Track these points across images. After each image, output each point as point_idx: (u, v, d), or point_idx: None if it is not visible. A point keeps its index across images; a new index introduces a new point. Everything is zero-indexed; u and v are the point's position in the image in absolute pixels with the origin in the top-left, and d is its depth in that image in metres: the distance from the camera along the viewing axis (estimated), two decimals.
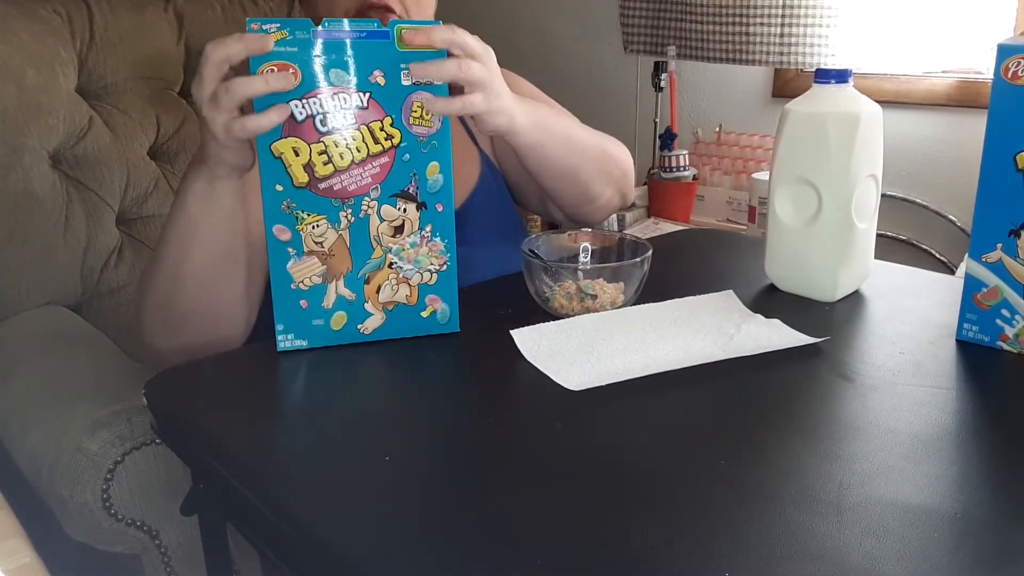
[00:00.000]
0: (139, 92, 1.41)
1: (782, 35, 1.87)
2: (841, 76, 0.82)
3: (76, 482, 0.88)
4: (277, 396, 0.70)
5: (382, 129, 0.71)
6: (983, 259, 0.73)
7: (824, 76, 0.82)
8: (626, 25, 2.21)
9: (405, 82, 0.70)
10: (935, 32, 1.78)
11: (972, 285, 0.74)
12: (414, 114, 0.71)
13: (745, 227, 1.89)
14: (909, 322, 0.80)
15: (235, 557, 0.83)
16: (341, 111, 0.69)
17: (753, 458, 0.57)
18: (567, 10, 2.41)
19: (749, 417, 0.63)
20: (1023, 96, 0.68)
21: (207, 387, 0.72)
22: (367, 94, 0.70)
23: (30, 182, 1.26)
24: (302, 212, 0.71)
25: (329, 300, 0.74)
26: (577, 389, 0.66)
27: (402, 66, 0.70)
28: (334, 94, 0.69)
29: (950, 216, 1.84)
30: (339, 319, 0.75)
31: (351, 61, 0.69)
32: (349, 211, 0.72)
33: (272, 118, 0.67)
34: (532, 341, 0.73)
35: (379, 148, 0.71)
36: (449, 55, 0.72)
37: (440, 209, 0.75)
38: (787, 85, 2.02)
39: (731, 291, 0.84)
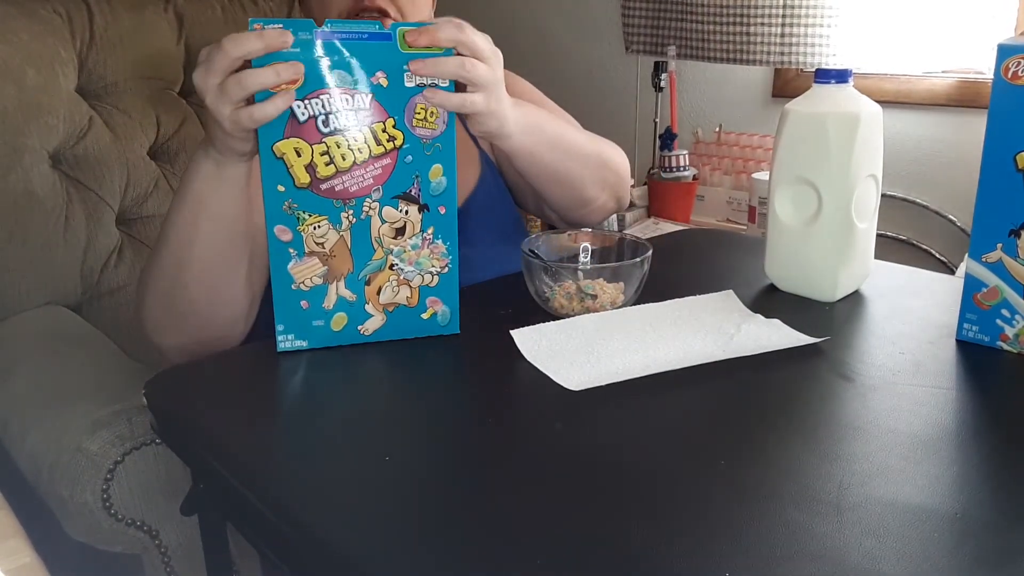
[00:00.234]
0: (139, 92, 1.41)
1: (783, 35, 1.87)
2: (841, 76, 0.82)
3: (76, 482, 0.88)
4: (277, 396, 0.70)
5: (384, 130, 0.71)
6: (983, 259, 0.73)
7: (824, 76, 0.82)
8: (626, 25, 2.21)
9: (408, 83, 0.70)
10: (935, 32, 1.78)
11: (972, 285, 0.74)
12: (417, 116, 0.71)
13: (745, 227, 1.89)
14: (909, 322, 0.80)
15: (235, 557, 0.83)
16: (343, 112, 0.69)
17: (753, 458, 0.57)
18: (567, 10, 2.41)
19: (749, 417, 0.63)
20: (1023, 96, 0.68)
21: (207, 387, 0.72)
22: (370, 95, 0.70)
23: (30, 182, 1.26)
24: (304, 213, 0.71)
25: (330, 301, 0.74)
26: (577, 389, 0.66)
27: (405, 67, 0.70)
28: (336, 95, 0.69)
29: (950, 216, 1.84)
30: (339, 320, 0.75)
31: (354, 62, 0.68)
32: (351, 212, 0.72)
33: (278, 104, 0.67)
34: (532, 341, 0.73)
35: (381, 149, 0.71)
36: (456, 53, 0.72)
37: (443, 211, 0.75)
38: (787, 85, 2.02)
39: (731, 291, 0.84)
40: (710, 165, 2.06)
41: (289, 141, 0.69)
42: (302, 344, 0.74)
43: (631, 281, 0.81)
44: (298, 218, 0.71)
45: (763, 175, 1.76)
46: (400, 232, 0.74)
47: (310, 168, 0.70)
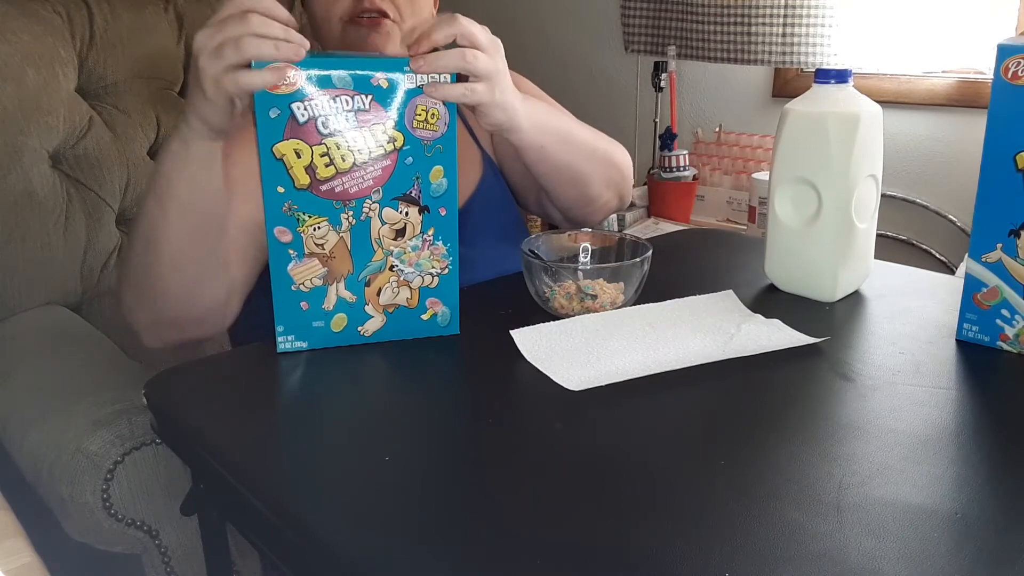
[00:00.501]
0: (139, 92, 1.41)
1: (784, 35, 1.87)
2: (841, 76, 0.82)
3: (76, 482, 0.88)
4: (277, 397, 0.70)
5: (385, 132, 0.71)
6: (983, 259, 0.73)
7: (824, 76, 0.82)
8: (627, 25, 2.21)
9: (409, 85, 0.70)
10: (935, 32, 1.78)
11: (972, 285, 0.74)
12: (418, 117, 0.71)
13: (745, 227, 1.89)
14: (909, 322, 0.80)
15: (235, 557, 0.83)
16: (343, 113, 0.69)
17: (753, 458, 0.57)
18: (567, 10, 2.41)
19: (749, 417, 0.63)
20: (1023, 96, 0.68)
21: (207, 387, 0.72)
22: (370, 96, 0.70)
23: (30, 182, 1.26)
24: (303, 214, 0.71)
25: (330, 302, 0.74)
26: (577, 389, 0.66)
27: (406, 68, 0.70)
28: (337, 96, 0.69)
29: (950, 216, 1.84)
30: (339, 321, 0.75)
31: (354, 64, 0.69)
32: (350, 213, 0.72)
33: (266, 77, 0.65)
34: (532, 341, 0.73)
35: (381, 151, 0.71)
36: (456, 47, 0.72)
37: (443, 213, 0.75)
38: (787, 85, 2.02)
39: (731, 291, 0.84)
40: (710, 165, 2.06)
41: (289, 142, 0.69)
42: (302, 345, 0.74)
43: (631, 281, 0.81)
44: (298, 219, 0.71)
45: (763, 175, 1.76)
46: (400, 233, 0.74)
47: (310, 169, 0.70)
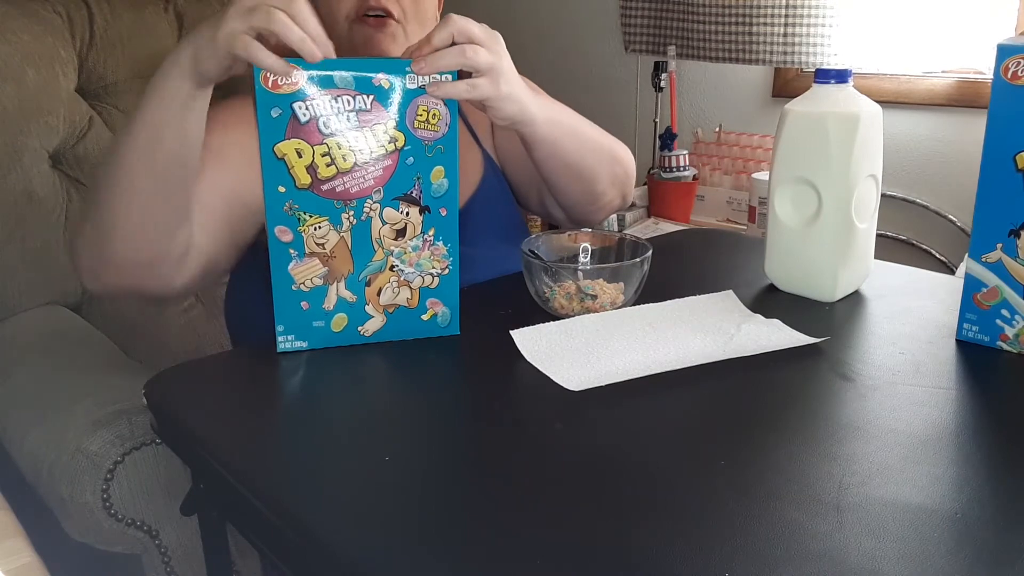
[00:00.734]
0: (139, 92, 1.40)
1: (784, 35, 1.87)
2: (841, 76, 0.82)
3: (76, 482, 0.88)
4: (277, 396, 0.70)
5: (386, 132, 0.71)
6: (983, 259, 0.73)
7: (824, 76, 0.82)
8: (626, 25, 2.21)
9: (410, 85, 0.70)
10: (935, 32, 1.78)
11: (972, 285, 0.74)
12: (419, 118, 0.71)
13: (745, 227, 1.89)
14: (909, 322, 0.80)
15: (235, 557, 0.83)
16: (345, 113, 0.69)
17: (753, 458, 0.57)
18: (567, 9, 2.41)
19: (749, 417, 0.63)
20: (1023, 96, 0.68)
21: (207, 387, 0.72)
22: (371, 97, 0.70)
23: (30, 182, 1.26)
24: (304, 213, 0.71)
25: (330, 302, 0.74)
26: (577, 389, 0.66)
27: (406, 69, 0.70)
28: (338, 96, 0.69)
29: (950, 216, 1.84)
30: (339, 321, 0.75)
31: (356, 65, 0.69)
32: (351, 213, 0.72)
33: (271, 62, 0.66)
34: (532, 341, 0.73)
35: (382, 151, 0.71)
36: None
37: (444, 213, 0.75)
38: (787, 85, 2.02)
39: (731, 291, 0.84)
40: (710, 165, 2.06)
41: (290, 142, 0.69)
42: (302, 345, 0.74)
43: (631, 281, 0.81)
44: (299, 219, 0.71)
45: (763, 175, 1.76)
46: (401, 233, 0.74)
47: (311, 169, 0.70)
